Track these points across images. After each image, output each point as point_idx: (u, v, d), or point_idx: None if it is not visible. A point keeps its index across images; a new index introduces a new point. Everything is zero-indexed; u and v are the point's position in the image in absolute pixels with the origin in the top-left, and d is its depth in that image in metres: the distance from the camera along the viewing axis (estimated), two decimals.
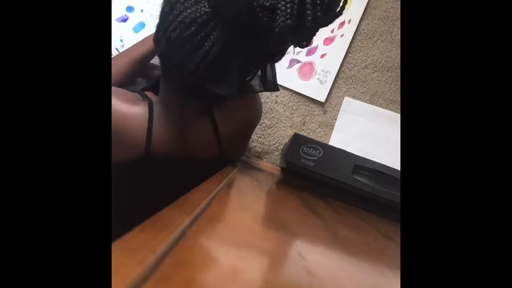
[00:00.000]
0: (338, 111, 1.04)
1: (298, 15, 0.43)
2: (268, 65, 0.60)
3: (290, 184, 0.80)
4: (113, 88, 0.59)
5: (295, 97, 1.04)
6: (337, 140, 1.03)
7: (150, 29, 0.98)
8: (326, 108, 1.04)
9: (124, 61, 0.79)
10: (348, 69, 1.04)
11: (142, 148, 0.57)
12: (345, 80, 1.04)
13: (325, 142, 1.01)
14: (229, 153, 0.67)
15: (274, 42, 0.47)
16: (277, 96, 1.04)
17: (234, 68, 0.50)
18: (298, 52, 1.00)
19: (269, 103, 1.04)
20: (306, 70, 1.01)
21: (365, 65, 1.05)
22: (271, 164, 1.02)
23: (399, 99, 1.03)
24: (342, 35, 1.02)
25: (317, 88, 1.03)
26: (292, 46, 0.51)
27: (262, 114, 1.03)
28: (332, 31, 1.01)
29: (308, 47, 0.96)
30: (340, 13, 0.47)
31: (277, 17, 0.42)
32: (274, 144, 1.04)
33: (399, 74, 1.04)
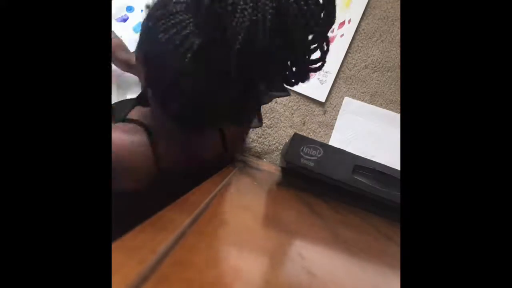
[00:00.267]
0: (338, 111, 1.04)
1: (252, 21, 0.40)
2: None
3: (290, 184, 0.80)
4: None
5: (295, 97, 1.04)
6: (337, 140, 1.03)
7: None
8: (326, 108, 1.04)
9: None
10: (348, 69, 1.04)
11: (154, 172, 0.56)
12: (345, 80, 1.04)
13: (325, 142, 1.01)
14: (231, 153, 0.67)
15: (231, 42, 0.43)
16: None
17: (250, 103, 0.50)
18: None
19: (269, 103, 1.04)
20: None
21: (365, 65, 1.05)
22: (271, 164, 1.02)
23: (399, 99, 1.03)
24: (342, 35, 1.02)
25: (317, 88, 1.03)
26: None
27: (262, 114, 1.03)
28: (332, 31, 1.01)
29: None
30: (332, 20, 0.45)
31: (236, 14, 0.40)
32: (274, 144, 1.04)
33: (399, 74, 1.04)
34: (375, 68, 1.05)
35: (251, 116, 0.64)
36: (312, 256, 0.33)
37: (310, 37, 0.44)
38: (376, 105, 1.04)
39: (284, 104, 1.04)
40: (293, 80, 0.49)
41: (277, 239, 0.35)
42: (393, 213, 0.70)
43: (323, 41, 0.46)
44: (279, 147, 1.03)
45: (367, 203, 0.74)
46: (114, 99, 0.86)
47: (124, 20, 0.99)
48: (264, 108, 1.03)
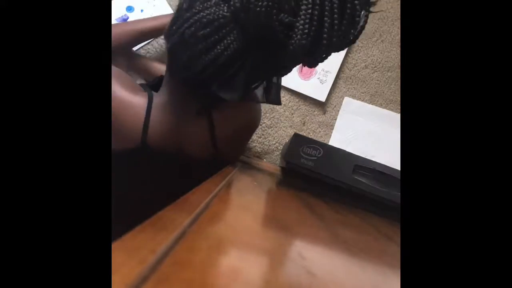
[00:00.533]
0: (338, 111, 1.04)
1: (314, 37, 0.43)
2: (274, 78, 0.60)
3: (290, 184, 0.80)
4: (116, 72, 0.59)
5: (295, 97, 1.04)
6: (337, 140, 1.03)
7: None
8: (326, 108, 1.04)
9: (126, 28, 0.82)
10: (348, 69, 1.04)
11: (138, 139, 0.57)
12: (345, 80, 1.04)
13: (325, 142, 1.01)
14: (225, 154, 0.67)
15: (286, 59, 0.47)
16: None
17: (241, 75, 0.51)
18: None
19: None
20: (307, 70, 1.01)
21: (365, 65, 1.05)
22: (271, 164, 1.02)
23: (399, 99, 1.03)
24: None
25: (317, 88, 1.03)
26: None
27: (262, 114, 1.03)
28: None
29: None
30: (354, 41, 0.47)
31: (294, 35, 0.43)
32: (274, 144, 1.04)
33: (399, 74, 1.04)
34: (375, 68, 1.05)
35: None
36: (312, 256, 0.33)
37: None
38: (376, 105, 1.04)
39: (284, 104, 1.04)
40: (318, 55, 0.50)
41: (277, 239, 0.35)
42: (393, 213, 0.70)
43: (324, 54, 0.47)
44: (279, 147, 1.03)
45: (367, 203, 0.74)
46: None
47: (124, 20, 0.99)
48: (264, 108, 1.03)
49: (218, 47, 0.46)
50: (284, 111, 1.04)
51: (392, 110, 1.04)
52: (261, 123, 1.03)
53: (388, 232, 0.58)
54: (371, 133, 1.03)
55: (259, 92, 0.61)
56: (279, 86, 0.62)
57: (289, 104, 1.04)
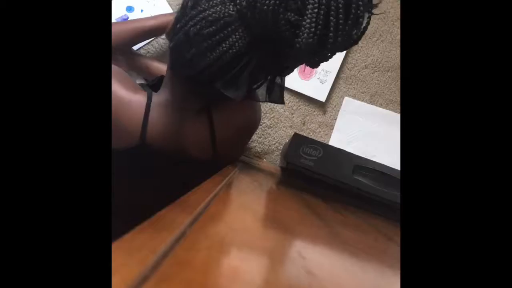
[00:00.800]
0: (338, 111, 1.04)
1: (320, 36, 0.43)
2: (278, 79, 0.61)
3: (290, 184, 0.80)
4: (116, 71, 0.59)
5: (295, 97, 1.04)
6: (337, 140, 1.03)
7: None
8: (326, 108, 1.04)
9: (126, 27, 0.82)
10: (348, 69, 1.04)
11: (137, 137, 0.57)
12: (345, 80, 1.04)
13: (325, 142, 1.01)
14: (225, 154, 0.67)
15: (291, 58, 0.48)
16: None
17: (245, 74, 0.51)
18: None
19: (269, 103, 1.04)
20: (307, 70, 1.01)
21: (365, 65, 1.05)
22: (271, 164, 1.02)
23: (399, 99, 1.03)
24: None
25: (317, 88, 1.03)
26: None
27: (262, 114, 1.03)
28: None
29: None
30: (357, 42, 0.48)
31: (300, 33, 0.43)
32: (274, 144, 1.04)
33: (399, 74, 1.04)
34: (375, 68, 1.05)
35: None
36: (312, 256, 0.33)
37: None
38: (376, 105, 1.04)
39: (284, 104, 1.04)
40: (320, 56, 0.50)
41: (277, 239, 0.35)
42: (393, 213, 0.70)
43: (329, 53, 0.47)
44: (279, 147, 1.03)
45: (367, 203, 0.74)
46: None
47: (124, 20, 0.99)
48: (264, 108, 1.03)
49: (223, 45, 0.46)
50: (284, 111, 1.04)
51: (392, 110, 1.04)
52: (261, 123, 1.03)
53: (388, 232, 0.58)
54: (371, 133, 1.03)
55: (261, 92, 0.62)
56: (282, 87, 0.62)
57: (289, 104, 1.04)
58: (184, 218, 0.28)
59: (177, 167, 0.62)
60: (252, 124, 0.72)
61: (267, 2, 0.42)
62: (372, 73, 1.05)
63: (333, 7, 0.42)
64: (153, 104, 0.58)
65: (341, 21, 0.43)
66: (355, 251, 0.39)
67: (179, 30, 0.49)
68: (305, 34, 0.43)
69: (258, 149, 1.04)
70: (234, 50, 0.47)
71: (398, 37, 1.04)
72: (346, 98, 1.04)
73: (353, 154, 0.72)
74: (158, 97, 0.59)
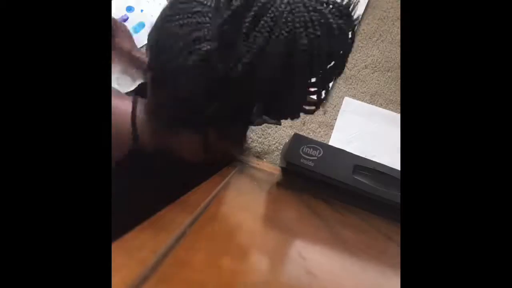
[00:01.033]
0: (338, 111, 1.04)
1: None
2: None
3: (290, 184, 0.80)
4: None
5: None
6: (337, 140, 1.03)
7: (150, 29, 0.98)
8: (326, 108, 1.04)
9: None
10: (348, 69, 1.04)
11: (129, 143, 0.57)
12: (345, 80, 1.04)
13: (325, 142, 1.01)
14: (219, 157, 0.67)
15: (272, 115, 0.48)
16: None
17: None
18: None
19: None
20: None
21: (365, 65, 1.05)
22: (271, 164, 1.02)
23: (399, 99, 1.03)
24: None
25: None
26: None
27: None
28: None
29: None
30: (338, 75, 0.48)
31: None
32: (274, 144, 1.04)
33: (399, 74, 1.04)
34: (375, 68, 1.05)
35: (238, 132, 0.65)
36: (312, 256, 0.33)
37: (312, 79, 0.45)
38: (376, 105, 1.04)
39: (280, 125, 1.04)
40: (283, 113, 0.50)
41: (277, 239, 0.35)
42: (393, 213, 0.70)
43: (322, 89, 0.47)
44: (279, 147, 1.03)
45: (367, 203, 0.74)
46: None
47: (124, 20, 0.99)
48: None
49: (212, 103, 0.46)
50: None
51: (392, 110, 1.04)
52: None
53: (388, 232, 0.58)
54: (371, 133, 1.03)
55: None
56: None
57: None
58: (184, 218, 0.28)
59: (176, 168, 0.62)
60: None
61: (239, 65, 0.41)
62: (372, 73, 1.05)
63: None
64: (140, 111, 0.57)
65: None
66: (355, 251, 0.39)
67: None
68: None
69: (258, 149, 1.04)
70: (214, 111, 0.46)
71: (398, 37, 1.04)
72: (346, 98, 1.04)
73: (353, 154, 0.72)
74: (145, 105, 0.58)
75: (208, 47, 0.44)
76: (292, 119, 0.51)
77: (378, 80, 1.05)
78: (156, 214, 0.28)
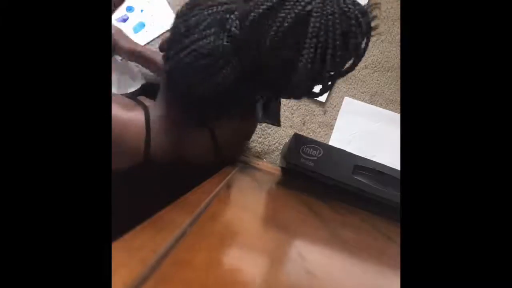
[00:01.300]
0: (338, 111, 1.04)
1: (317, 71, 0.43)
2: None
3: (290, 184, 0.80)
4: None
5: None
6: (337, 140, 1.03)
7: (150, 29, 0.98)
8: (326, 108, 1.04)
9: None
10: None
11: (141, 154, 0.56)
12: (345, 80, 1.04)
13: (325, 142, 1.01)
14: (226, 157, 0.67)
15: (287, 93, 0.47)
16: None
17: (240, 101, 0.50)
18: None
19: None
20: None
21: (365, 65, 1.05)
22: (271, 164, 1.02)
23: (399, 99, 1.03)
24: None
25: (317, 88, 1.03)
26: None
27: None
28: None
29: None
30: (354, 68, 0.47)
31: (297, 69, 0.42)
32: (274, 144, 1.04)
33: (399, 74, 1.04)
34: (375, 68, 1.05)
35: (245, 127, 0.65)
36: (312, 256, 0.33)
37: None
38: (376, 105, 1.04)
39: (284, 104, 1.04)
40: (289, 91, 0.50)
41: (277, 239, 0.35)
42: (393, 213, 0.70)
43: (329, 81, 0.46)
44: (279, 147, 1.03)
45: (367, 203, 0.74)
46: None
47: (124, 20, 0.99)
48: None
49: (218, 76, 0.45)
50: (284, 111, 1.04)
51: (392, 110, 1.04)
52: (261, 123, 1.03)
53: (388, 232, 0.58)
54: (371, 133, 1.03)
55: (259, 111, 0.61)
56: (279, 105, 0.62)
57: (289, 104, 1.04)
58: (184, 218, 0.28)
59: (180, 178, 0.62)
60: (252, 127, 0.72)
61: (264, 39, 0.41)
62: (372, 73, 1.05)
63: (330, 44, 0.41)
64: (153, 120, 0.56)
65: (338, 58, 0.42)
66: (355, 251, 0.39)
67: (171, 56, 0.48)
68: (301, 71, 0.42)
69: (258, 149, 1.04)
70: (227, 82, 0.46)
71: (398, 37, 1.04)
72: (346, 98, 1.04)
73: (353, 154, 0.72)
74: (156, 112, 0.58)
75: (234, 29, 0.44)
76: (296, 98, 0.49)
77: (378, 80, 1.05)
78: (156, 214, 0.28)
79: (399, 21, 1.04)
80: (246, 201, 0.49)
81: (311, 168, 0.71)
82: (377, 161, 0.72)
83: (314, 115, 1.04)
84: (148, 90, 0.64)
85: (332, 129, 1.04)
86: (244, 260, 0.26)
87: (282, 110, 1.03)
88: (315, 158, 0.71)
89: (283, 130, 1.04)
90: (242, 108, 0.52)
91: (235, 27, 0.44)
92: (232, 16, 0.45)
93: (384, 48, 1.05)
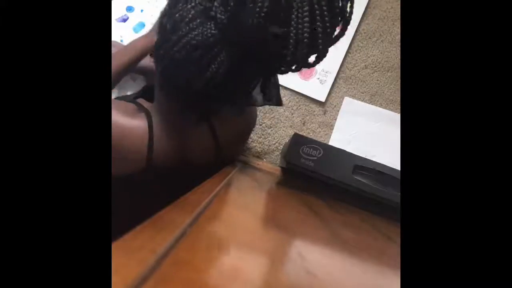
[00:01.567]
0: (338, 111, 1.04)
1: (309, 43, 0.42)
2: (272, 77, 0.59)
3: (290, 184, 0.80)
4: (112, 101, 0.58)
5: (295, 97, 1.04)
6: (337, 140, 1.03)
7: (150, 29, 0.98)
8: (326, 108, 1.04)
9: (123, 60, 0.78)
10: (348, 69, 1.04)
11: (144, 161, 0.56)
12: (345, 80, 1.04)
13: (325, 142, 1.01)
14: (226, 156, 0.67)
15: (285, 67, 0.47)
16: None
17: (239, 88, 0.50)
18: None
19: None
20: (307, 70, 1.01)
21: (365, 65, 1.05)
22: (271, 164, 1.02)
23: (399, 99, 1.03)
24: None
25: (317, 88, 1.03)
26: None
27: (262, 114, 1.03)
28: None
29: None
30: (343, 34, 0.47)
31: (289, 45, 0.42)
32: (274, 144, 1.04)
33: (399, 74, 1.04)
34: (375, 68, 1.05)
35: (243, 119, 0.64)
36: (312, 256, 0.33)
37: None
38: (376, 105, 1.04)
39: (284, 104, 1.04)
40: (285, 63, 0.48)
41: (277, 239, 0.35)
42: (393, 213, 0.70)
43: (323, 49, 0.46)
44: (279, 147, 1.03)
45: (367, 203, 0.74)
46: (114, 96, 0.86)
47: (124, 20, 0.99)
48: (264, 108, 1.03)
49: (212, 66, 0.45)
50: (284, 111, 1.04)
51: (392, 110, 1.04)
52: (261, 123, 1.03)
53: (388, 232, 0.58)
54: (371, 133, 1.03)
55: (258, 95, 0.61)
56: (277, 85, 0.61)
57: (289, 104, 1.04)
58: (184, 218, 0.28)
59: (182, 182, 0.62)
60: (252, 124, 0.72)
61: (250, 19, 0.41)
62: (372, 73, 1.05)
63: (317, 11, 0.41)
64: (155, 125, 0.56)
65: (327, 23, 0.42)
66: (355, 251, 0.39)
67: (163, 56, 0.48)
68: (293, 44, 0.42)
69: (258, 149, 1.04)
70: (225, 69, 0.45)
71: (398, 37, 1.04)
72: (346, 98, 1.04)
73: (353, 154, 0.72)
74: (157, 116, 0.57)
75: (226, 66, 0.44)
76: (293, 70, 0.48)
77: (378, 80, 1.05)
78: (156, 214, 0.28)
79: (399, 21, 1.04)
80: (246, 201, 0.49)
81: (311, 168, 0.71)
82: (377, 161, 0.72)
83: (314, 115, 1.04)
84: (149, 92, 0.63)
85: (332, 129, 1.04)
86: (244, 260, 0.26)
87: (282, 110, 1.03)
88: (315, 158, 0.71)
89: (283, 130, 1.04)
90: (241, 96, 0.52)
91: (220, 13, 0.44)
92: (215, 3, 0.44)
93: (384, 48, 1.05)
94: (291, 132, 1.03)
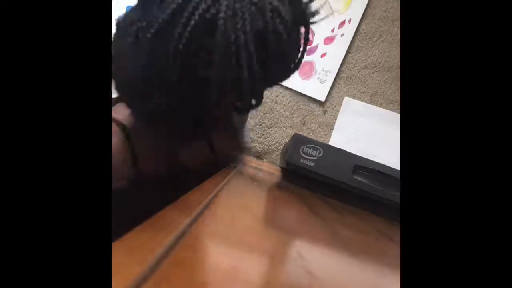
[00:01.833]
0: (338, 111, 1.04)
1: (235, 72, 0.38)
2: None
3: (290, 184, 0.80)
4: None
5: (295, 97, 1.04)
6: (337, 140, 1.03)
7: None
8: (326, 108, 1.04)
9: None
10: (348, 69, 1.04)
11: (131, 171, 0.53)
12: (345, 80, 1.04)
13: (325, 142, 1.01)
14: (223, 156, 0.66)
15: (213, 93, 0.41)
16: (277, 96, 1.04)
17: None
18: None
19: (269, 103, 1.04)
20: (306, 69, 1.01)
21: (365, 65, 1.05)
22: (271, 164, 1.02)
23: (399, 99, 1.03)
24: (342, 35, 1.02)
25: (317, 88, 1.03)
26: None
27: (262, 114, 1.03)
28: (333, 30, 1.01)
29: (309, 46, 0.95)
30: (293, 70, 0.43)
31: (211, 77, 0.38)
32: (274, 144, 1.04)
33: (399, 74, 1.04)
34: (375, 68, 1.05)
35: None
36: (312, 256, 0.33)
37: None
38: (376, 105, 1.04)
39: (284, 104, 1.04)
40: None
41: (277, 239, 0.35)
42: (393, 213, 0.70)
43: (260, 90, 0.44)
44: (279, 147, 1.03)
45: (367, 203, 0.74)
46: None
47: None
48: (264, 108, 1.03)
49: (153, 99, 0.43)
50: (284, 111, 1.04)
51: (392, 110, 1.04)
52: (261, 123, 1.03)
53: (388, 232, 0.58)
54: (371, 133, 1.03)
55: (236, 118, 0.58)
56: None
57: (289, 104, 1.04)
58: (184, 218, 0.28)
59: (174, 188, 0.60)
60: (245, 120, 0.70)
61: (170, 51, 0.37)
62: (372, 73, 1.05)
63: (242, 48, 0.36)
64: (135, 138, 0.53)
65: (257, 64, 0.37)
66: (355, 251, 0.39)
67: (116, 85, 0.47)
68: (213, 84, 0.38)
69: (258, 149, 1.04)
70: (165, 103, 0.42)
71: (398, 37, 1.04)
72: (346, 98, 1.04)
73: (353, 154, 0.72)
74: (138, 130, 0.54)
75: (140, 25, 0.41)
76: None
77: (378, 80, 1.05)
78: (156, 214, 0.28)
79: (399, 21, 1.04)
80: (246, 201, 0.49)
81: (311, 168, 0.71)
82: (377, 161, 0.72)
83: (314, 115, 1.04)
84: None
85: (332, 129, 1.04)
86: (244, 260, 0.26)
87: (282, 110, 1.03)
88: (315, 158, 0.71)
89: (283, 130, 1.04)
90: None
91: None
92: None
93: (384, 48, 1.05)
94: (291, 132, 1.03)
